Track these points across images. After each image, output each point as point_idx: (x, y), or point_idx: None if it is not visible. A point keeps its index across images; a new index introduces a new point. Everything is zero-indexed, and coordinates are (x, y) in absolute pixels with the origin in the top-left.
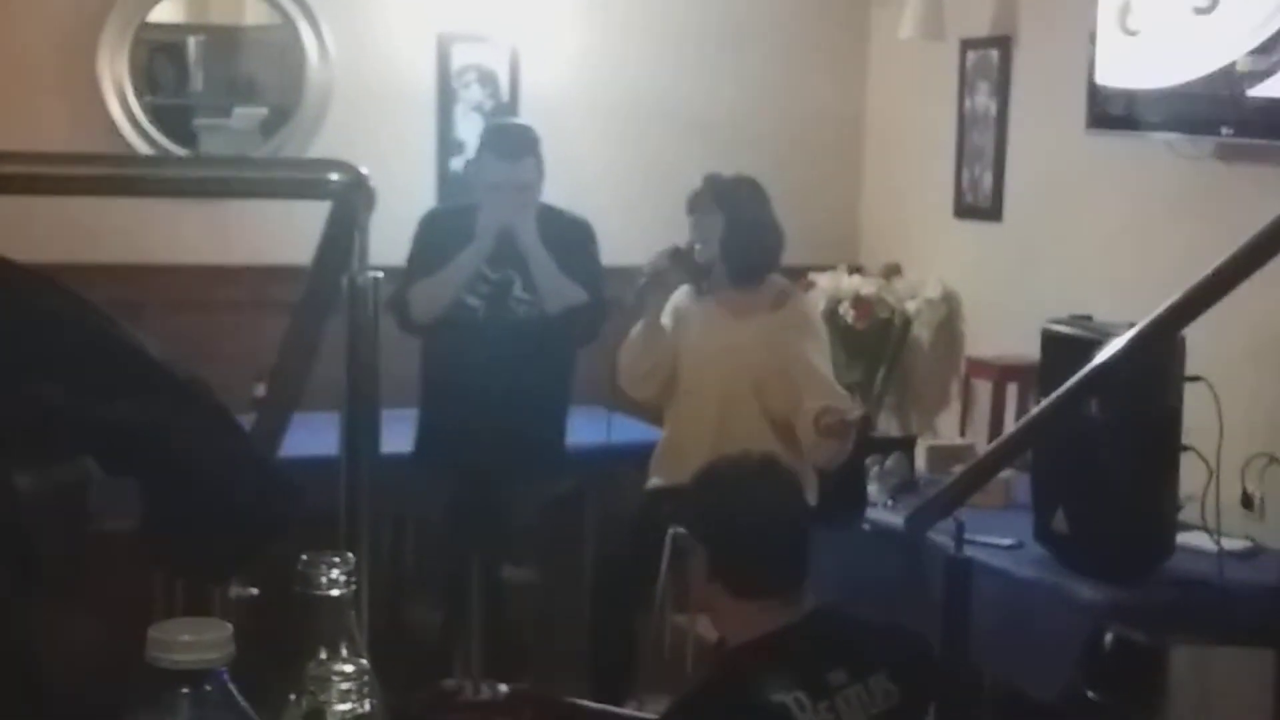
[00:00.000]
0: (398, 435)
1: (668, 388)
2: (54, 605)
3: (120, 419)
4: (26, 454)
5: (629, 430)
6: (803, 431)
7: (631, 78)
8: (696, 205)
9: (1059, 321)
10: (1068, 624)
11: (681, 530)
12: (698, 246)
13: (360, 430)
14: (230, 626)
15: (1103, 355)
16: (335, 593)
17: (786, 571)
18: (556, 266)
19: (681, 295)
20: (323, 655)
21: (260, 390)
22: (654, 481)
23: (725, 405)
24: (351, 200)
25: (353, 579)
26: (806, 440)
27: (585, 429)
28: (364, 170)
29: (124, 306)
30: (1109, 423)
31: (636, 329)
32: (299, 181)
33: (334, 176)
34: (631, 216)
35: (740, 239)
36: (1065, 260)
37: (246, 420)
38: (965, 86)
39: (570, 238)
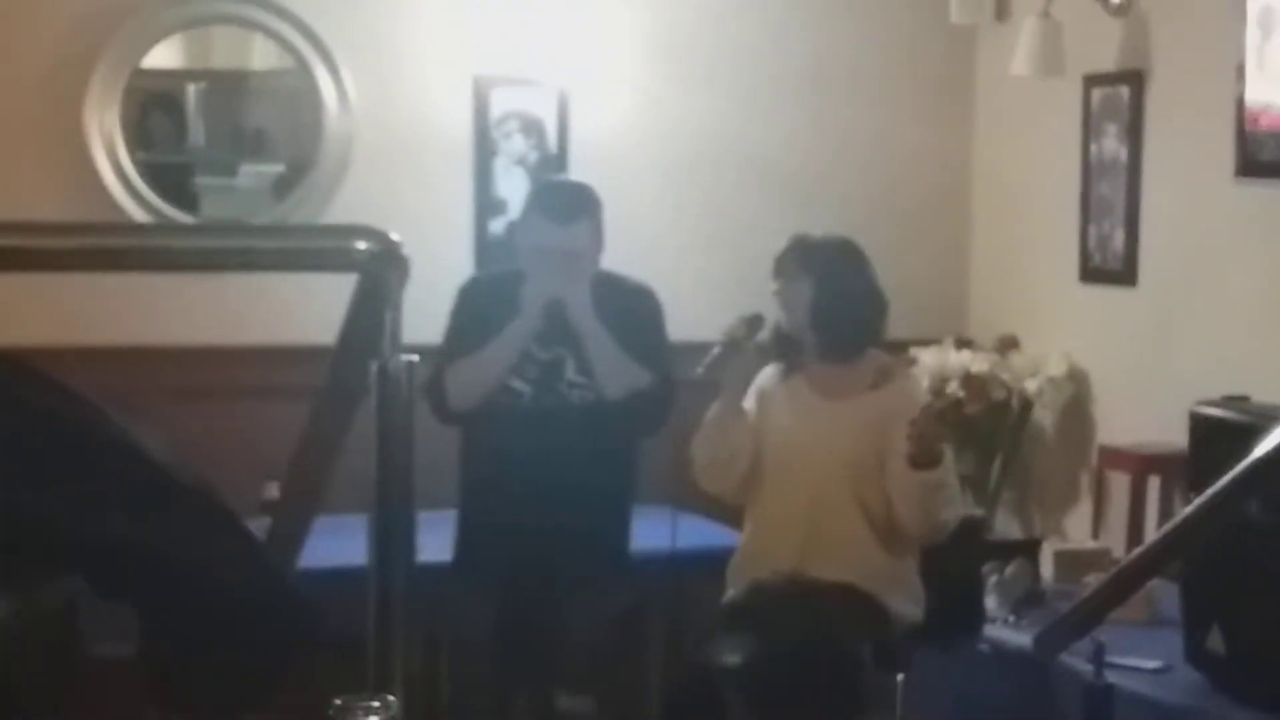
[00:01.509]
0: (432, 542)
1: (749, 482)
2: None
3: (114, 533)
4: (5, 574)
5: (698, 533)
6: (899, 502)
7: (698, 125)
8: (781, 270)
9: (1209, 403)
10: None
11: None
12: (783, 316)
13: (392, 537)
14: None
15: (1266, 444)
16: None
17: (815, 713)
18: (616, 344)
19: (767, 375)
20: None
21: (273, 491)
22: (732, 594)
23: (816, 503)
24: (381, 273)
25: None
26: (904, 509)
27: (647, 532)
28: (395, 237)
29: (114, 395)
30: (1275, 524)
31: (712, 410)
32: (320, 251)
33: (361, 245)
34: (699, 285)
35: (831, 306)
36: (1213, 331)
37: (258, 526)
38: (1090, 130)
39: (632, 309)
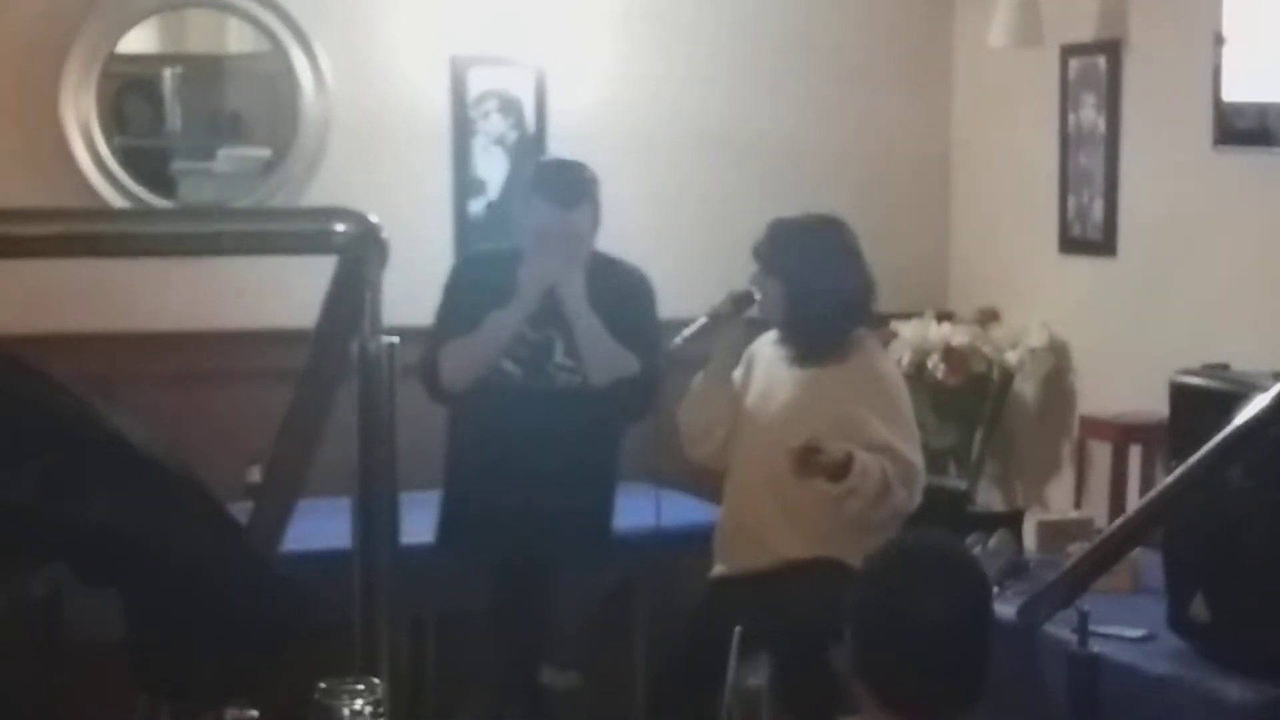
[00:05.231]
0: (417, 522)
1: (727, 449)
2: None
3: (98, 519)
4: None
5: (681, 510)
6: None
7: (676, 103)
8: (758, 257)
9: (1189, 372)
10: None
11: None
12: (758, 299)
13: (376, 518)
14: None
15: (1246, 412)
16: None
17: (945, 689)
18: (606, 330)
19: (764, 339)
20: None
21: (256, 475)
22: (718, 569)
23: (779, 471)
24: (361, 254)
25: (380, 709)
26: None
27: (630, 510)
28: (374, 219)
29: (94, 382)
30: (1256, 491)
31: (697, 378)
32: (300, 234)
33: (340, 227)
34: (677, 262)
35: (799, 313)
36: (1193, 300)
37: (241, 511)
38: (1068, 100)
39: (625, 293)
